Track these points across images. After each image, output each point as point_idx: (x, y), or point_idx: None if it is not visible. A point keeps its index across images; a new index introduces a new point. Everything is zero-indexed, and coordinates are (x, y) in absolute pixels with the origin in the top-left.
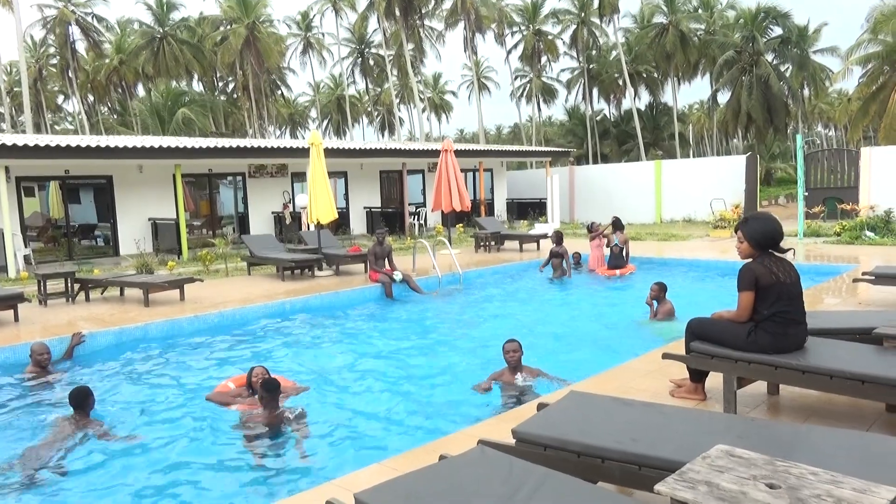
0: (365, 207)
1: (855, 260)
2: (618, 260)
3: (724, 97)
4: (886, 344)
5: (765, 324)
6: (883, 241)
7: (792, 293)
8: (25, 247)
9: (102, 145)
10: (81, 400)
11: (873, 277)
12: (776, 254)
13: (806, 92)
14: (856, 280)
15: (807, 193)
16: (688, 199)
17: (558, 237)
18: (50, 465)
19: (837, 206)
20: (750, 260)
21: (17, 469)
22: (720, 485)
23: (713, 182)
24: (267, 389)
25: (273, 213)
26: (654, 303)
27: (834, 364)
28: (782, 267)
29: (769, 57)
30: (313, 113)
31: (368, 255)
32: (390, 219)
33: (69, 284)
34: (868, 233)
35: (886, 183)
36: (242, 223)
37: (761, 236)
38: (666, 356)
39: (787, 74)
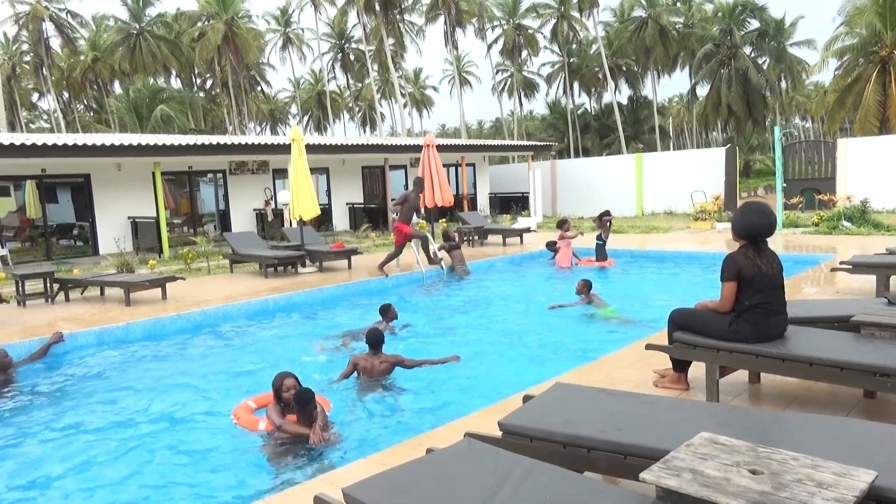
0: (347, 203)
1: (832, 249)
2: (603, 252)
3: (703, 90)
4: (864, 331)
5: (746, 314)
6: (859, 230)
7: (773, 284)
8: (2, 247)
9: (80, 143)
10: None
11: (851, 266)
12: (762, 244)
13: (783, 84)
14: (834, 269)
15: (785, 185)
16: (669, 191)
17: (447, 236)
18: None
19: (815, 196)
20: (734, 250)
21: None
22: (704, 472)
23: (693, 174)
24: (298, 402)
25: (255, 210)
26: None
27: (813, 352)
28: (765, 258)
29: (747, 50)
30: (294, 109)
31: (402, 208)
32: (373, 215)
33: (48, 285)
34: (845, 223)
35: (862, 174)
36: (224, 221)
37: (740, 227)
38: (649, 347)
39: (765, 67)
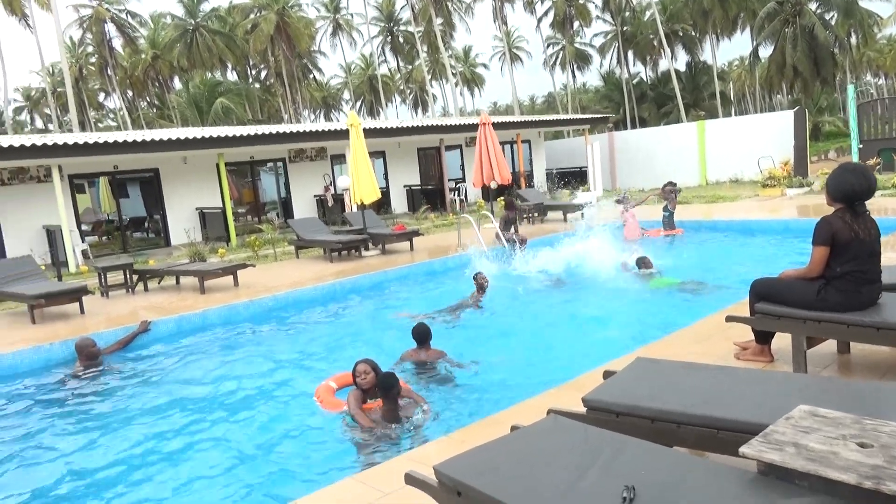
0: (405, 186)
1: None
2: (671, 223)
3: (766, 51)
4: None
5: (836, 281)
6: None
7: (871, 251)
8: (82, 242)
9: (149, 139)
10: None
11: None
12: (860, 208)
13: (853, 40)
14: None
15: (861, 146)
16: (733, 158)
17: (509, 204)
18: None
19: (894, 157)
20: (830, 213)
21: None
22: (808, 445)
23: (759, 140)
24: (382, 387)
25: (315, 196)
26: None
27: None
28: (863, 223)
29: (813, 6)
30: (346, 95)
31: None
32: (430, 196)
33: (128, 276)
34: None
35: None
36: (286, 208)
37: (835, 189)
38: (730, 318)
39: (833, 23)
